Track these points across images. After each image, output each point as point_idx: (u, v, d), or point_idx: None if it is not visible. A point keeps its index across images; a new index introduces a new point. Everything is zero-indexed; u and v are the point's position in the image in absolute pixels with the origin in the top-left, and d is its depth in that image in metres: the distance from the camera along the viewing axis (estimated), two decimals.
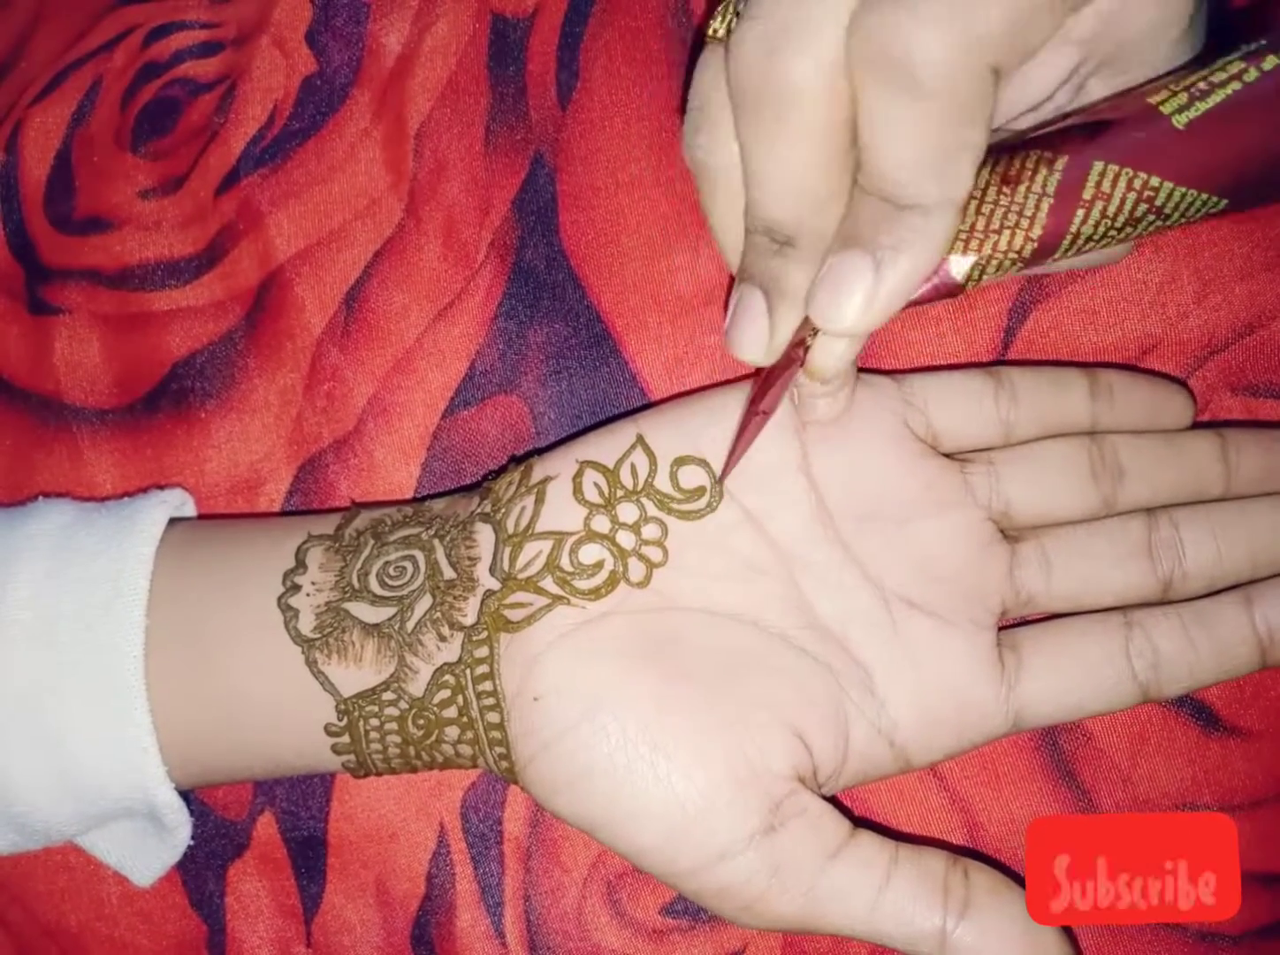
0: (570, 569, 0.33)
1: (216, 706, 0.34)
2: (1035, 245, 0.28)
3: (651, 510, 0.34)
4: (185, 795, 0.35)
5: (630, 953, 0.37)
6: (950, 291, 0.29)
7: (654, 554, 0.33)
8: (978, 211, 0.28)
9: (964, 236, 0.28)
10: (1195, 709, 0.37)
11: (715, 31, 0.29)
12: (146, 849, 0.36)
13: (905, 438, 0.35)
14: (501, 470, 0.36)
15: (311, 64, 0.40)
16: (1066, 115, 0.29)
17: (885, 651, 0.33)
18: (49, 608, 0.33)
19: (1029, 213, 0.28)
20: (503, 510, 0.34)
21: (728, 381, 0.37)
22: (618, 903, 0.37)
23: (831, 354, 0.30)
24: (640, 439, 0.34)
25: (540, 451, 0.36)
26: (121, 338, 0.39)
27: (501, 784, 0.38)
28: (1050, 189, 0.28)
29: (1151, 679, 0.34)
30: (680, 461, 0.34)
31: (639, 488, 0.34)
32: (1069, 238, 0.28)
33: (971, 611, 0.34)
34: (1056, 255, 0.28)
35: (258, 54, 0.40)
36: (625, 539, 0.33)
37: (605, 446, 0.34)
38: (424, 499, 0.37)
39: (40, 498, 0.37)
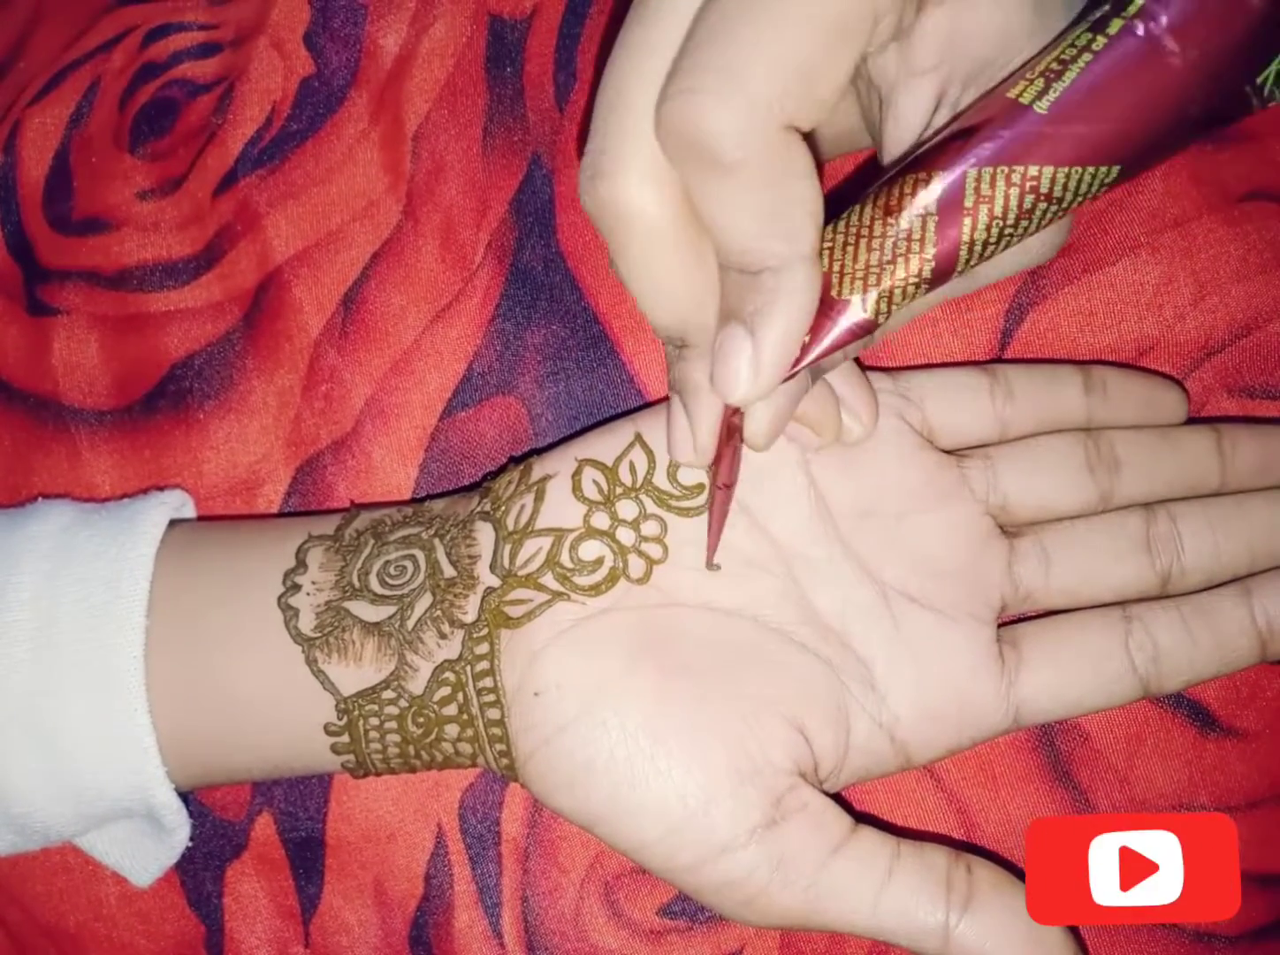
0: (570, 565, 0.33)
1: (216, 707, 0.34)
2: (933, 264, 0.28)
3: (651, 507, 0.34)
4: (184, 796, 0.35)
5: (628, 953, 0.37)
6: (866, 328, 0.29)
7: (654, 551, 0.33)
8: (868, 248, 0.28)
9: (861, 274, 0.28)
10: (1192, 710, 0.37)
11: None
12: (145, 850, 0.36)
13: (903, 434, 0.35)
14: (500, 471, 0.36)
15: (309, 65, 0.40)
16: (938, 132, 0.29)
17: (885, 646, 0.33)
18: (49, 609, 0.33)
19: (918, 235, 0.28)
20: (503, 508, 0.34)
21: None
22: (615, 903, 0.37)
23: (758, 422, 0.30)
24: (639, 437, 0.34)
25: (539, 452, 0.36)
26: (120, 339, 0.39)
27: (499, 785, 0.38)
28: (932, 208, 0.27)
29: (1152, 673, 0.34)
30: None
31: (638, 485, 0.34)
32: (965, 248, 0.28)
33: (971, 606, 0.34)
34: (959, 268, 0.28)
35: (256, 55, 0.40)
36: (625, 535, 0.33)
37: (604, 445, 0.35)
38: (423, 500, 0.37)
39: (40, 499, 0.37)
